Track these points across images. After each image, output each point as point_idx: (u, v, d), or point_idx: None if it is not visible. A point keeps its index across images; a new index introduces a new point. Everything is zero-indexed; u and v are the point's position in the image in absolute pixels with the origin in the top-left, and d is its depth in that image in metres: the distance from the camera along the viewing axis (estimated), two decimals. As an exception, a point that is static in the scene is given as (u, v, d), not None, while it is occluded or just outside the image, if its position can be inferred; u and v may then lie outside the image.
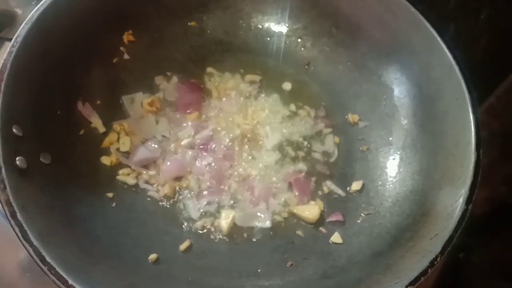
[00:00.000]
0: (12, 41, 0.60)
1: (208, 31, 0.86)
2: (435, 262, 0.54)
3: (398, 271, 0.58)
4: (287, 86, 0.84)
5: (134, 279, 0.60)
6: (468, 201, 0.59)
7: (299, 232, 0.70)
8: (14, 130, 0.57)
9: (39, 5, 0.64)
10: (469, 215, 0.59)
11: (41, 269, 0.50)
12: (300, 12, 0.86)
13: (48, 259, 0.50)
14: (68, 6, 0.67)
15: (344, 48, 0.85)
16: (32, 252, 0.50)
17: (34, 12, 0.63)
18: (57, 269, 0.50)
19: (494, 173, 0.78)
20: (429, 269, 0.54)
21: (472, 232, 0.61)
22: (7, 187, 0.52)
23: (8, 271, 0.67)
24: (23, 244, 0.50)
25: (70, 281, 0.50)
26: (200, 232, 0.69)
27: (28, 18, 0.62)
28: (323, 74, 0.86)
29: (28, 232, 0.51)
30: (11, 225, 0.51)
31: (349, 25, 0.83)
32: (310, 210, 0.71)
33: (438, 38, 0.71)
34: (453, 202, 0.60)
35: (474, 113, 0.65)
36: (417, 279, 0.54)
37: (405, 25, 0.75)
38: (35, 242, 0.50)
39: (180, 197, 0.71)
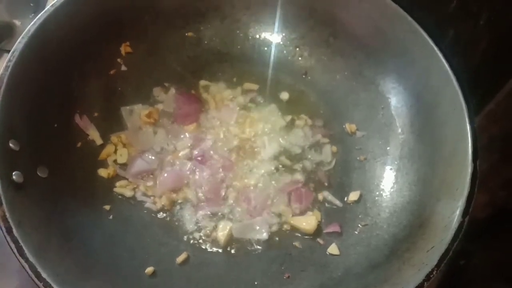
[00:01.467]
0: (9, 55, 0.61)
1: (206, 42, 0.87)
2: (431, 276, 0.54)
3: (395, 284, 0.57)
4: (284, 96, 0.84)
5: (131, 293, 0.60)
6: (465, 213, 0.59)
7: (296, 244, 0.70)
8: (11, 144, 0.57)
9: (35, 19, 0.64)
10: (469, 221, 0.58)
11: (37, 285, 0.50)
12: (297, 21, 0.86)
13: (43, 275, 0.50)
14: (65, 19, 0.68)
15: (342, 57, 0.85)
16: (27, 268, 0.50)
17: (30, 26, 0.63)
18: (53, 285, 0.50)
19: (494, 177, 0.77)
20: (425, 283, 0.54)
21: (472, 237, 0.61)
22: (3, 202, 0.52)
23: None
24: (18, 260, 0.51)
25: (65, 297, 0.50)
26: (197, 244, 0.68)
27: (24, 32, 0.63)
28: (320, 83, 0.86)
29: (24, 248, 0.51)
30: (7, 241, 0.51)
31: (346, 34, 0.83)
32: (307, 221, 0.71)
33: (435, 48, 0.71)
34: (450, 213, 0.60)
35: (471, 123, 0.65)
36: (413, 292, 0.54)
37: (402, 35, 0.75)
38: (30, 258, 0.50)
39: (177, 208, 0.71)
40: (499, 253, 0.77)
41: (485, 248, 0.79)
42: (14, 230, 0.51)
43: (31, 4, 0.90)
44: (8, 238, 0.51)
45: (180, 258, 0.66)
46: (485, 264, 0.79)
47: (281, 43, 0.88)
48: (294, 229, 0.71)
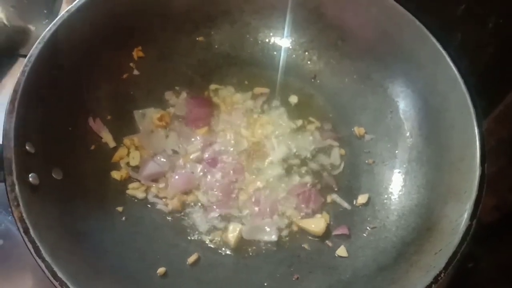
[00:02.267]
0: (25, 60, 0.62)
1: (216, 46, 0.88)
2: (439, 278, 0.55)
3: (402, 286, 0.58)
4: (293, 99, 0.85)
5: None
6: (473, 216, 0.59)
7: (305, 246, 0.71)
8: (27, 147, 0.59)
9: (50, 25, 0.66)
10: (477, 224, 0.59)
11: (53, 284, 0.51)
12: (306, 25, 0.87)
13: (59, 274, 0.51)
14: (79, 25, 0.69)
15: (350, 60, 0.86)
16: (44, 268, 0.51)
17: (46, 32, 0.65)
18: (68, 284, 0.51)
19: (501, 180, 0.77)
20: (433, 285, 0.54)
21: (480, 240, 0.62)
22: (20, 204, 0.54)
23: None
24: (35, 260, 0.52)
25: (81, 296, 0.51)
26: (208, 245, 0.70)
27: (40, 37, 0.64)
28: (329, 86, 0.87)
29: (40, 248, 0.52)
30: (24, 241, 0.53)
31: (354, 38, 0.84)
32: (316, 223, 0.72)
33: (443, 52, 0.71)
34: (458, 217, 0.60)
35: (479, 127, 0.65)
36: (421, 295, 0.54)
37: (410, 39, 0.76)
38: (47, 258, 0.52)
39: (189, 210, 0.72)
40: (506, 256, 0.77)
41: (492, 251, 0.79)
42: (31, 231, 0.53)
43: (45, 11, 0.91)
44: (25, 238, 0.52)
45: (191, 259, 0.67)
46: (492, 267, 0.79)
47: (290, 47, 0.89)
48: (303, 231, 0.72)
